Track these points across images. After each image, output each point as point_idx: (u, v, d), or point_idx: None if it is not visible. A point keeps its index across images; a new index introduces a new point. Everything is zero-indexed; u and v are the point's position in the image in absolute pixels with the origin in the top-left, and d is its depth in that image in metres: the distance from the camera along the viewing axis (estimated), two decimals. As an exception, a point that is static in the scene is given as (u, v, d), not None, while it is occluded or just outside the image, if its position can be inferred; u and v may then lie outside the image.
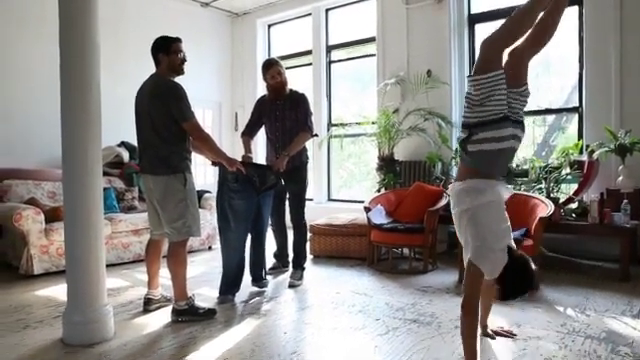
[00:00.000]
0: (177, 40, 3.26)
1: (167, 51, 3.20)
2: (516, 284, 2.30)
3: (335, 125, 6.91)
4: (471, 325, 2.24)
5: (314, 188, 6.85)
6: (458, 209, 2.38)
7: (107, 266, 2.99)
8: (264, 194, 3.74)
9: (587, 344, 2.68)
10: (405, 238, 4.41)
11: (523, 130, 2.37)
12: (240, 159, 3.61)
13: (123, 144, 5.91)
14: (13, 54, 5.41)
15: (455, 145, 5.39)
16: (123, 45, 5.84)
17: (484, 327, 2.77)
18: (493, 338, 2.75)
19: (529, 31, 2.32)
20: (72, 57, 2.78)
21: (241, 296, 3.67)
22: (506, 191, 2.41)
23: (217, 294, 3.61)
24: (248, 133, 4.16)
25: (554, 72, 5.63)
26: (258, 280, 3.87)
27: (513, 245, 2.38)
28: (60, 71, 2.80)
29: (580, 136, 4.95)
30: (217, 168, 3.60)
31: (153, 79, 3.23)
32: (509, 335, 2.79)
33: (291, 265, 4.25)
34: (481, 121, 2.25)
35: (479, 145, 2.26)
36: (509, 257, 2.28)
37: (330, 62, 7.12)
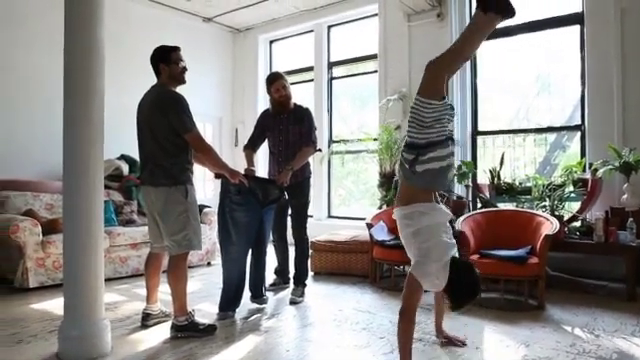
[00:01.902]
0: (176, 49, 3.23)
1: (167, 61, 3.17)
2: (463, 292, 2.45)
3: (336, 142, 6.90)
4: (407, 331, 2.40)
5: (314, 205, 6.79)
6: (405, 232, 2.53)
7: (104, 280, 2.90)
8: (266, 208, 3.68)
9: (599, 365, 2.61)
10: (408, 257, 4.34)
11: (454, 144, 2.53)
12: (243, 172, 3.56)
13: (123, 157, 5.87)
14: (14, 64, 5.38)
15: (458, 162, 5.36)
16: (125, 58, 5.84)
17: (439, 332, 2.97)
18: (443, 343, 2.91)
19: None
20: (76, 67, 2.75)
21: (241, 312, 3.59)
22: (445, 213, 2.55)
23: (217, 310, 3.53)
24: (251, 147, 4.13)
25: (555, 91, 5.65)
26: (258, 296, 3.78)
27: (457, 255, 2.51)
28: (64, 80, 2.77)
29: (583, 154, 4.93)
30: (219, 181, 3.55)
31: (155, 90, 3.19)
32: (459, 344, 2.91)
33: (292, 281, 4.17)
34: (429, 142, 2.38)
35: (426, 165, 2.39)
36: (454, 266, 2.41)
37: (332, 79, 7.13)
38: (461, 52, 2.44)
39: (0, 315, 3.51)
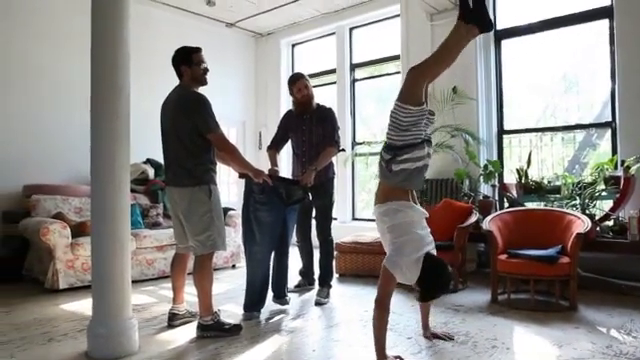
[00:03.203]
0: (198, 50, 3.24)
1: (189, 62, 3.18)
2: (433, 287, 2.62)
3: (359, 144, 6.86)
4: (382, 319, 2.54)
5: (338, 207, 6.75)
6: (381, 227, 2.72)
7: (131, 282, 2.93)
8: (289, 209, 3.67)
9: (637, 366, 2.51)
10: (434, 255, 4.28)
11: (431, 146, 2.72)
12: (266, 172, 3.56)
13: (149, 161, 5.95)
14: (43, 69, 5.53)
15: (483, 161, 5.28)
16: (148, 63, 5.92)
17: (425, 329, 3.03)
18: (430, 339, 2.95)
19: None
20: (103, 70, 2.79)
21: (265, 313, 3.59)
22: (420, 211, 2.71)
23: (242, 311, 3.53)
24: (274, 147, 4.13)
25: (583, 89, 5.51)
26: (280, 297, 3.76)
27: (433, 252, 2.68)
28: (91, 83, 2.80)
29: (614, 151, 4.78)
30: (243, 183, 3.56)
31: (177, 91, 3.22)
32: (446, 338, 2.95)
33: (317, 282, 4.15)
34: (405, 144, 2.55)
35: (402, 165, 2.57)
36: (429, 263, 2.56)
37: (354, 80, 7.11)
38: (443, 60, 2.58)
39: (32, 315, 3.59)
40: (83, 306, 3.74)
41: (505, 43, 5.68)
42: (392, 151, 2.59)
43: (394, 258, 2.57)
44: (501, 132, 5.66)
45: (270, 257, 3.63)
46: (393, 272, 2.55)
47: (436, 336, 2.99)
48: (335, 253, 4.64)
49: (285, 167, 6.17)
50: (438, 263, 2.62)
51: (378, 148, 6.25)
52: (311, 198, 3.97)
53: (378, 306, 2.56)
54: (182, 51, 3.23)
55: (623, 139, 4.65)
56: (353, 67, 7.10)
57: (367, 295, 4.15)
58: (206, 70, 3.25)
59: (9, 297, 4.12)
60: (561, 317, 3.40)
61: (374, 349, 2.53)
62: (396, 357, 2.59)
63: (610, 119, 4.90)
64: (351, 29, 7.12)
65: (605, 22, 4.90)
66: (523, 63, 5.68)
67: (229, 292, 4.33)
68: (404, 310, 3.65)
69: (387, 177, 2.65)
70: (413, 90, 2.53)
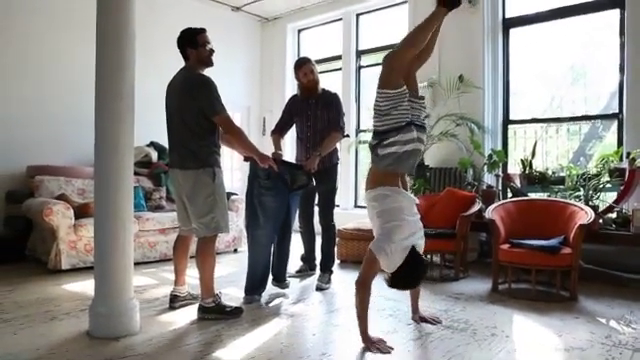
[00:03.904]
0: (202, 31, 3.21)
1: (194, 44, 3.15)
2: (403, 279, 2.68)
3: (363, 131, 6.83)
4: (363, 299, 2.63)
5: (341, 194, 6.75)
6: (370, 213, 2.76)
7: (133, 264, 2.94)
8: (293, 194, 3.67)
9: (637, 358, 2.51)
10: (436, 244, 4.26)
11: (425, 132, 2.81)
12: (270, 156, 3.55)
13: (152, 144, 5.95)
14: (47, 52, 5.51)
15: (488, 151, 5.26)
16: (152, 45, 5.88)
17: (414, 312, 3.08)
18: (418, 323, 3.01)
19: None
20: (108, 50, 2.76)
21: (266, 297, 3.60)
22: (410, 198, 2.76)
23: (242, 294, 3.54)
24: (278, 131, 4.12)
25: (590, 80, 5.45)
26: (280, 280, 3.77)
27: (420, 248, 2.73)
28: (95, 64, 2.78)
29: (620, 143, 4.75)
30: (247, 169, 3.55)
31: (183, 73, 3.19)
32: (434, 322, 3.01)
33: (319, 268, 4.16)
34: (388, 128, 2.61)
35: (387, 149, 2.62)
36: (412, 257, 2.62)
37: (360, 67, 7.06)
38: (413, 43, 2.62)
39: (35, 294, 3.61)
40: (85, 287, 3.77)
41: (513, 32, 5.62)
42: (377, 137, 2.67)
43: (380, 243, 2.63)
44: (506, 122, 5.62)
45: (273, 241, 3.64)
46: (378, 256, 2.61)
47: (424, 320, 3.04)
48: (337, 239, 4.65)
49: (289, 152, 6.16)
50: (419, 260, 2.70)
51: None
52: (314, 184, 3.96)
53: (359, 288, 2.64)
54: (187, 33, 3.20)
55: (630, 131, 4.61)
56: (359, 54, 7.05)
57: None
58: (212, 51, 3.22)
59: (13, 276, 4.15)
60: (561, 307, 3.41)
61: (358, 331, 2.63)
62: (379, 339, 2.65)
63: (617, 111, 4.85)
64: (358, 15, 7.05)
65: (616, 12, 4.84)
66: (531, 53, 5.62)
67: (230, 275, 4.35)
68: (404, 297, 3.61)
69: (375, 162, 2.73)
70: (388, 76, 2.60)
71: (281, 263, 3.76)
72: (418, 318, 3.05)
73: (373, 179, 2.73)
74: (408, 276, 2.68)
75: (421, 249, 2.75)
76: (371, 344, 2.58)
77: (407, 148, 2.62)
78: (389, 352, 2.55)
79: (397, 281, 2.69)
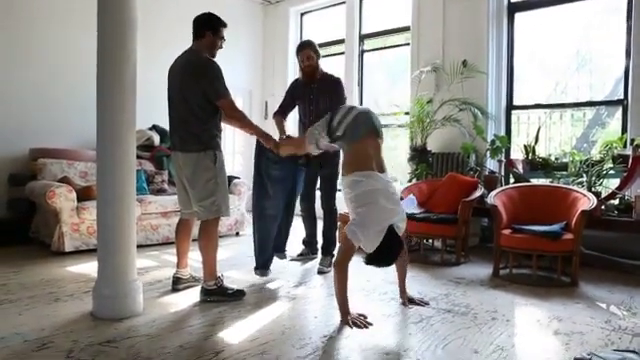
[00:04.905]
0: (226, 26, 3.28)
1: (216, 31, 3.20)
2: (378, 257, 2.76)
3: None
4: (341, 281, 2.74)
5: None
6: (345, 198, 2.88)
7: (136, 247, 2.96)
8: (299, 167, 3.76)
9: (636, 342, 2.52)
10: (438, 228, 4.29)
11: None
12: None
13: (154, 127, 5.93)
14: (50, 35, 5.47)
15: (491, 136, 5.24)
16: (154, 28, 5.82)
17: (402, 293, 3.13)
18: (406, 305, 3.06)
19: None
20: (109, 33, 2.75)
21: (268, 280, 3.63)
22: (383, 180, 2.84)
23: (244, 277, 3.56)
24: (281, 113, 4.11)
25: (595, 66, 5.39)
26: (280, 250, 3.83)
27: (400, 230, 2.81)
28: (97, 47, 2.76)
29: (624, 129, 4.72)
30: (248, 155, 3.59)
31: (186, 56, 3.17)
32: (422, 304, 3.07)
33: (320, 251, 4.18)
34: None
35: (336, 142, 3.11)
36: (389, 237, 2.70)
37: (363, 51, 7.00)
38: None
39: (39, 276, 3.64)
40: (89, 269, 3.79)
41: (519, 16, 5.56)
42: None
43: (354, 227, 2.72)
44: (510, 107, 5.59)
45: (281, 213, 3.68)
46: (352, 239, 2.70)
47: (412, 301, 3.10)
48: (338, 224, 4.65)
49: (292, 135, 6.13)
50: (395, 241, 2.76)
51: (384, 120, 6.22)
52: (320, 167, 3.97)
53: (338, 270, 2.75)
54: (214, 18, 3.23)
55: (634, 117, 4.58)
56: (362, 38, 6.99)
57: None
58: (221, 47, 3.28)
59: (17, 258, 4.18)
60: (562, 292, 3.43)
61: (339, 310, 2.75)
62: (360, 314, 2.75)
63: (622, 97, 4.82)
64: (361, -2, 6.98)
65: (623, -4, 4.78)
66: (536, 38, 5.57)
67: (232, 259, 4.37)
68: (407, 282, 3.67)
69: (341, 147, 3.09)
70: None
71: (283, 233, 3.82)
72: (406, 299, 3.10)
73: (346, 165, 2.92)
74: (383, 254, 2.75)
75: (400, 232, 2.82)
76: (350, 318, 2.68)
77: (347, 120, 3.00)
78: (367, 327, 2.65)
79: (372, 259, 2.77)
